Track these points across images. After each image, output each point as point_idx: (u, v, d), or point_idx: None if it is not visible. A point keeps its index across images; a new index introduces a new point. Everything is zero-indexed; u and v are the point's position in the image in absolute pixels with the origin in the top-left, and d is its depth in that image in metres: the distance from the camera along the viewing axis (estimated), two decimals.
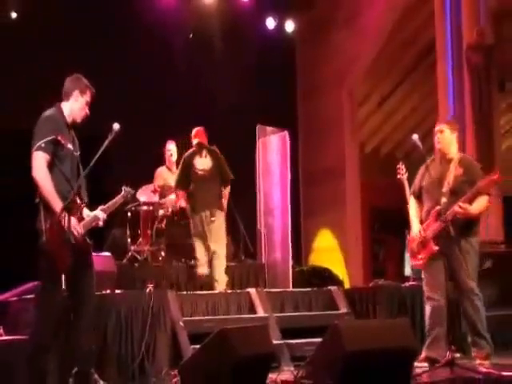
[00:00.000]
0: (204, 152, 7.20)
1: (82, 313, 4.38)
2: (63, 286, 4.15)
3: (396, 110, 12.03)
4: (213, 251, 7.02)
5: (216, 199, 7.13)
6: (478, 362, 5.13)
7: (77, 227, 4.29)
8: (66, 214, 4.23)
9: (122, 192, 4.71)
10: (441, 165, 5.48)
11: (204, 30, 9.76)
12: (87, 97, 4.54)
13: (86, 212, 4.48)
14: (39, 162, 4.27)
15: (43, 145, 4.28)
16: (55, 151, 4.32)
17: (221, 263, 7.06)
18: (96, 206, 4.65)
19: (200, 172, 7.15)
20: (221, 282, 6.98)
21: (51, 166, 4.31)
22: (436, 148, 5.56)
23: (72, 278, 4.27)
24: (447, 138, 5.45)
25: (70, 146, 4.43)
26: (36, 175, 4.27)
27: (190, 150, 7.30)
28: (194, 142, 7.27)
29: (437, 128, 5.54)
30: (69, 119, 4.51)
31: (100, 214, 4.50)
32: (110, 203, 4.63)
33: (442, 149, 5.48)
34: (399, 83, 11.52)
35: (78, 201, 4.42)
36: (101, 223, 4.53)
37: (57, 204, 4.24)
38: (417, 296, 6.33)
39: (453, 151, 5.49)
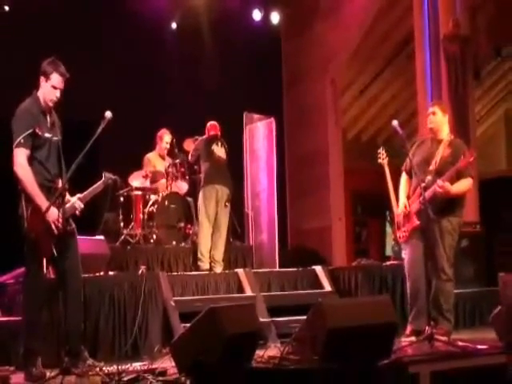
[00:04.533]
0: (219, 142, 7.49)
1: (69, 293, 4.47)
2: (45, 270, 4.26)
3: (377, 97, 12.09)
4: (218, 233, 7.26)
5: (231, 186, 7.38)
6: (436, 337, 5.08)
7: (56, 222, 4.36)
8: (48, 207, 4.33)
9: (103, 178, 4.77)
10: (431, 145, 5.60)
11: (193, 21, 9.78)
12: (53, 81, 4.52)
13: (67, 197, 4.58)
14: (20, 158, 4.39)
15: (22, 140, 4.38)
16: (33, 142, 4.43)
17: (222, 243, 7.29)
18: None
19: (219, 157, 7.42)
20: (219, 265, 7.20)
21: (30, 157, 4.42)
22: (428, 128, 5.68)
23: (56, 261, 4.40)
24: (439, 120, 5.58)
25: (46, 134, 4.51)
26: (18, 172, 4.39)
27: (207, 137, 7.55)
28: (211, 133, 7.56)
29: (430, 110, 5.66)
30: (44, 105, 4.55)
31: (77, 203, 4.59)
32: (89, 190, 4.71)
33: (433, 129, 5.61)
34: (380, 72, 11.57)
35: (60, 185, 4.50)
36: (78, 212, 4.61)
37: (41, 201, 4.35)
38: (397, 274, 6.47)
39: (444, 133, 5.61)
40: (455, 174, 5.39)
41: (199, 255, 7.22)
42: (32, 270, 4.45)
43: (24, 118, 4.46)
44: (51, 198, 4.42)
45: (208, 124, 7.70)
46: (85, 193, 4.72)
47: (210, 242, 7.26)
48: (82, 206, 4.63)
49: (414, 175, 5.61)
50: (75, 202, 4.61)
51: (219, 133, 7.64)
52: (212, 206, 7.23)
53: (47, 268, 4.34)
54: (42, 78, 4.57)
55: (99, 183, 4.76)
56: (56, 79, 4.54)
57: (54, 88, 4.54)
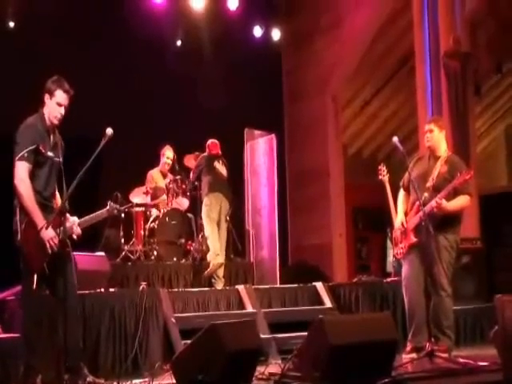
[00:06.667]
0: (221, 161, 7.57)
1: (66, 310, 4.42)
2: (34, 285, 4.25)
3: (377, 113, 12.16)
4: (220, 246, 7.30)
5: (232, 204, 7.46)
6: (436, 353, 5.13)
7: (51, 241, 4.36)
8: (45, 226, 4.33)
9: (108, 207, 4.74)
10: (429, 161, 5.65)
11: (195, 38, 9.85)
12: (57, 98, 4.54)
13: (67, 216, 4.54)
14: (22, 172, 4.38)
15: (26, 154, 4.37)
16: (35, 159, 4.43)
17: (223, 256, 7.34)
18: (86, 211, 4.74)
19: (221, 174, 7.49)
20: (220, 281, 7.22)
21: (30, 173, 4.42)
22: (426, 146, 5.72)
23: (51, 278, 4.39)
24: (436, 137, 5.62)
25: (49, 153, 4.51)
26: (18, 185, 4.37)
27: (209, 154, 7.61)
28: (213, 151, 7.62)
29: (426, 127, 5.70)
30: (49, 123, 4.56)
31: (75, 229, 4.56)
32: (91, 216, 4.69)
33: (431, 147, 5.65)
34: (380, 88, 11.65)
35: (59, 204, 4.52)
36: (75, 237, 4.58)
37: (38, 218, 4.34)
38: (398, 291, 6.33)
39: (442, 149, 5.65)
40: (452, 190, 5.42)
41: (212, 253, 7.21)
42: (27, 285, 4.44)
43: (29, 133, 4.47)
44: (47, 217, 4.42)
45: (209, 142, 7.76)
46: (86, 218, 4.70)
47: (219, 241, 7.26)
48: (80, 231, 4.61)
49: (411, 191, 5.64)
50: (73, 225, 4.58)
51: (220, 151, 7.70)
52: (216, 211, 7.30)
53: (37, 283, 4.32)
54: (47, 96, 4.59)
55: (103, 211, 4.75)
56: (60, 96, 4.56)
57: (59, 105, 4.57)
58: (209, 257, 7.29)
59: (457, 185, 5.38)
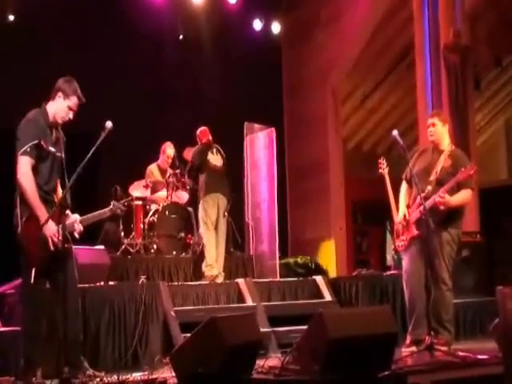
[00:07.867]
0: (214, 150, 7.46)
1: (66, 304, 4.43)
2: (32, 279, 4.24)
3: (377, 107, 12.15)
4: (218, 244, 7.25)
5: (229, 196, 7.37)
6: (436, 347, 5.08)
7: (53, 236, 4.35)
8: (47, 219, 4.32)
9: (111, 206, 4.75)
10: (432, 155, 5.63)
11: (194, 31, 9.85)
12: (71, 102, 4.54)
13: (68, 213, 4.55)
14: (25, 167, 4.38)
15: (28, 149, 4.37)
16: (37, 154, 4.43)
17: (222, 254, 7.30)
18: (87, 207, 4.74)
19: (214, 166, 7.38)
20: (220, 275, 7.18)
21: (33, 168, 4.41)
22: (429, 140, 5.71)
23: (52, 272, 4.40)
24: (439, 131, 5.61)
25: (51, 148, 4.51)
26: (22, 180, 4.37)
27: (201, 146, 7.51)
28: (203, 140, 7.52)
29: (429, 121, 5.68)
30: (52, 119, 4.55)
31: (77, 225, 4.56)
32: (94, 214, 4.69)
33: (434, 141, 5.64)
34: (380, 82, 11.64)
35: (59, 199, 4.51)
36: (76, 235, 4.57)
37: (41, 212, 4.34)
38: (398, 284, 6.41)
39: (445, 143, 5.65)
40: (455, 185, 5.41)
41: (207, 264, 7.17)
42: (28, 280, 4.41)
43: (31, 128, 4.47)
44: (48, 211, 4.42)
45: (198, 131, 7.68)
46: (88, 216, 4.70)
47: (216, 251, 7.24)
48: (81, 228, 4.61)
49: (414, 185, 5.62)
50: (75, 221, 4.58)
51: (210, 138, 7.63)
52: (214, 212, 7.24)
53: (37, 277, 4.31)
54: (60, 95, 4.58)
55: (106, 210, 4.75)
56: (74, 102, 4.58)
57: (70, 109, 4.57)
58: (203, 267, 7.21)
59: (460, 179, 5.38)
